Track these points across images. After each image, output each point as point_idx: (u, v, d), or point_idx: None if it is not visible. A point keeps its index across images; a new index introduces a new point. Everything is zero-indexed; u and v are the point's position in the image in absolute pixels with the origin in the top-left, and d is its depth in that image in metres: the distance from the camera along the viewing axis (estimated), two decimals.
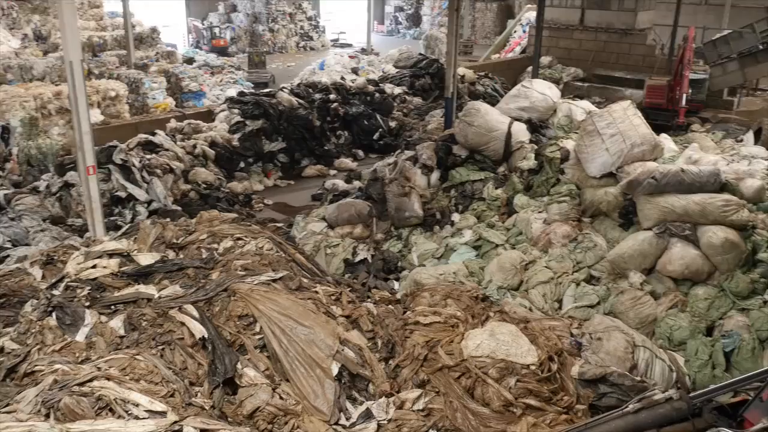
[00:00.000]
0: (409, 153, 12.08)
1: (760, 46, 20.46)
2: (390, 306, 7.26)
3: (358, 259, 9.79)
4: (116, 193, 11.59)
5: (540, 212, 9.61)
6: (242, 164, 14.88)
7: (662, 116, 17.08)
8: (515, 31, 29.26)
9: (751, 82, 21.80)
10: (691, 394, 3.05)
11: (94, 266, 6.82)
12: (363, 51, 32.14)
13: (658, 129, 11.52)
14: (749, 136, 15.39)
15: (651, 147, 9.39)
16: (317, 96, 17.52)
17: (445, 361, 6.10)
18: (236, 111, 15.87)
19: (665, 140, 10.81)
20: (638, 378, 6.33)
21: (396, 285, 9.12)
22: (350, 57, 29.08)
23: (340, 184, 13.49)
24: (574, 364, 6.44)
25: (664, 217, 8.25)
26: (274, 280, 6.70)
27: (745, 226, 8.06)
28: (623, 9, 23.91)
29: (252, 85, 24.15)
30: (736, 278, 7.67)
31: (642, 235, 8.32)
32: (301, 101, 16.72)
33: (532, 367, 6.05)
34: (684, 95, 17.09)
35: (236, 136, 15.11)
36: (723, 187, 8.40)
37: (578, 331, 7.10)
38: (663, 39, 24.21)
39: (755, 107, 19.93)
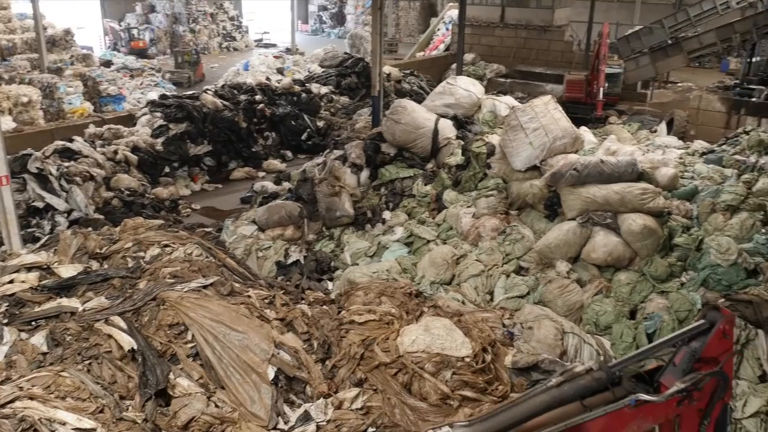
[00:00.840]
0: (337, 152, 12.06)
1: (669, 41, 21.50)
2: (324, 306, 7.23)
3: (290, 260, 9.70)
4: (33, 204, 11.06)
5: (469, 207, 9.78)
6: (167, 169, 14.47)
7: (581, 109, 17.69)
8: (438, 29, 29.62)
9: (662, 75, 22.87)
10: (609, 364, 3.13)
11: (11, 281, 6.51)
12: (288, 51, 31.86)
13: (577, 122, 11.93)
14: (662, 126, 16.16)
15: (572, 140, 9.70)
16: (243, 97, 17.24)
17: (381, 359, 6.12)
18: (159, 114, 15.42)
19: (585, 133, 11.20)
20: (568, 363, 6.53)
21: (330, 285, 9.09)
22: (275, 57, 28.75)
23: (270, 185, 13.34)
24: (507, 354, 6.60)
25: (587, 207, 8.54)
26: (205, 287, 6.56)
27: (662, 212, 8.46)
28: (541, 6, 24.61)
29: (174, 88, 23.54)
30: (655, 263, 8.03)
31: (566, 225, 8.59)
32: (226, 103, 16.41)
33: (467, 360, 6.16)
34: (601, 89, 17.76)
35: (160, 140, 14.68)
36: (640, 176, 8.77)
37: (510, 321, 7.27)
38: (580, 35, 25.07)
39: (667, 99, 20.88)
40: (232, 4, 39.64)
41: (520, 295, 8.10)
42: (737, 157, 10.98)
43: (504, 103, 12.20)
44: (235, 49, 37.30)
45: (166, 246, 7.58)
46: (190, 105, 15.60)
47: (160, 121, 15.20)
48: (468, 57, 23.89)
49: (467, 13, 21.05)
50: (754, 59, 22.52)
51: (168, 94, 18.69)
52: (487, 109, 12.13)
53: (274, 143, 17.14)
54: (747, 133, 12.71)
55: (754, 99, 19.23)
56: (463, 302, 7.98)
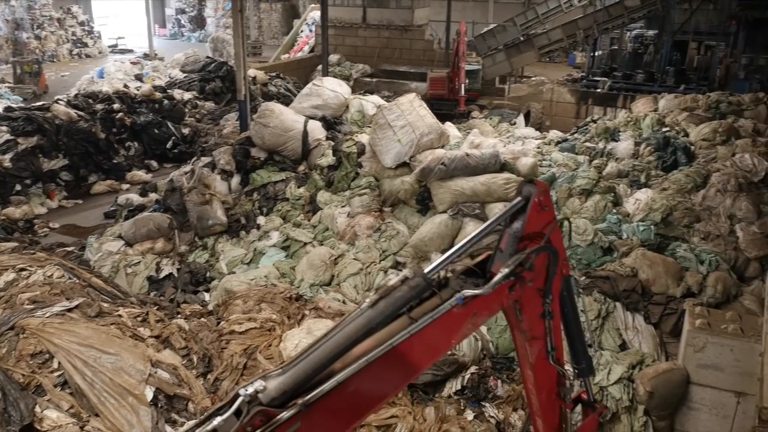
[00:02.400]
0: (206, 159, 11.71)
1: (522, 38, 22.78)
2: (203, 319, 7.02)
3: (162, 274, 9.31)
4: None
5: (343, 207, 9.85)
6: (18, 187, 13.39)
7: (445, 106, 18.33)
8: (302, 31, 29.54)
9: (518, 70, 24.18)
10: (427, 269, 2.89)
11: None
12: (146, 56, 30.43)
13: (442, 118, 12.34)
14: (520, 119, 17.09)
15: (438, 135, 10.03)
16: (99, 106, 16.28)
17: (265, 366, 6.03)
18: (4, 128, 14.23)
19: (450, 128, 11.62)
20: (449, 352, 6.76)
21: (207, 296, 8.82)
22: (132, 63, 27.34)
23: (135, 198, 12.71)
24: None
25: (456, 200, 8.87)
26: (70, 310, 6.16)
27: None
28: (401, 7, 25.22)
29: (21, 99, 21.81)
30: None
31: (438, 218, 8.88)
32: (81, 113, 15.42)
33: None
34: (462, 85, 18.49)
35: (7, 156, 13.55)
36: (503, 166, 9.24)
37: None
38: (439, 34, 25.96)
39: (523, 93, 22.11)
40: (81, 9, 37.30)
41: None
42: (588, 144, 11.82)
43: (371, 103, 12.38)
44: (88, 56, 35.14)
45: (22, 270, 7.03)
46: (40, 117, 14.51)
47: (7, 136, 14.03)
48: (333, 58, 24.02)
49: (330, 14, 21.16)
50: (596, 53, 24.36)
51: (14, 106, 17.29)
52: (354, 108, 12.26)
53: (138, 153, 16.35)
54: (594, 121, 13.75)
55: (599, 90, 20.81)
56: (344, 302, 8.02)
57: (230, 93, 20.15)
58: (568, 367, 3.69)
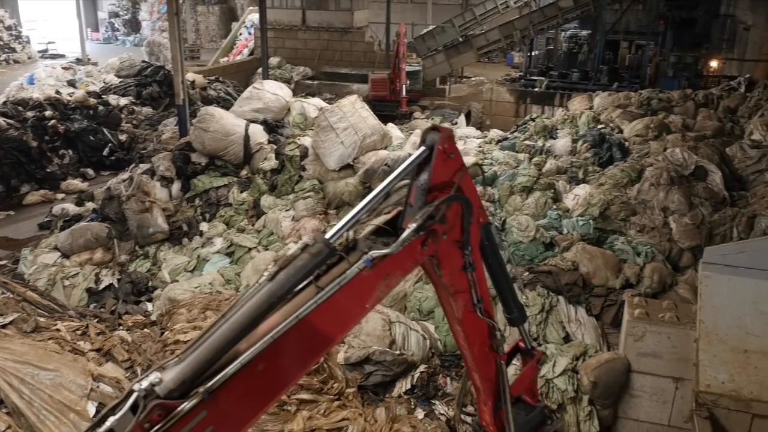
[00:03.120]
0: (144, 166, 11.44)
1: (460, 39, 23.09)
2: (146, 329, 6.84)
3: (102, 286, 9.05)
4: None
5: (288, 210, 9.77)
6: None
7: (387, 107, 18.42)
8: (241, 34, 29.16)
9: (457, 70, 24.49)
10: (329, 233, 2.67)
11: None
12: (78, 61, 29.50)
13: (384, 119, 12.40)
14: (462, 118, 17.32)
15: (381, 136, 10.07)
16: (30, 114, 15.70)
17: None
18: None
19: (392, 129, 11.68)
20: (397, 352, 6.80)
21: (149, 306, 8.62)
22: (64, 68, 26.45)
23: (71, 207, 12.30)
24: (339, 352, 6.70)
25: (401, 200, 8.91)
26: (4, 326, 5.91)
27: None
28: (340, 9, 25.20)
29: None
30: None
31: (383, 218, 8.89)
32: (10, 121, 14.85)
33: None
34: (403, 86, 18.62)
35: None
36: None
37: None
38: (379, 35, 26.06)
39: (463, 93, 22.40)
40: (7, 13, 35.87)
41: None
42: (527, 142, 12.08)
43: (313, 105, 12.34)
44: (16, 62, 33.81)
45: None
46: None
47: None
48: (273, 60, 23.81)
49: (268, 16, 20.97)
50: (533, 53, 24.91)
51: None
52: (296, 111, 12.19)
53: (72, 161, 15.83)
54: (533, 120, 14.06)
55: (536, 89, 21.28)
56: None
57: (168, 98, 19.73)
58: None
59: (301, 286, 2.60)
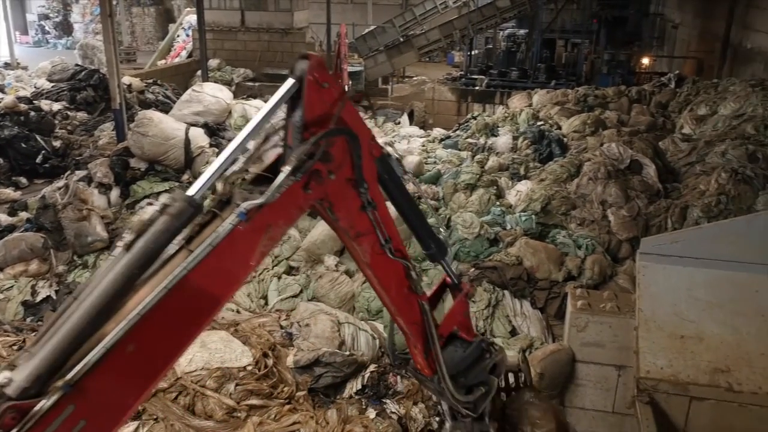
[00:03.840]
0: (81, 173, 11.09)
1: (401, 39, 23.23)
2: None
3: (39, 298, 8.72)
4: None
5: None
6: None
7: None
8: (178, 36, 28.59)
9: (399, 70, 24.64)
10: (192, 189, 2.41)
11: None
12: (7, 65, 28.35)
13: None
14: (404, 118, 17.43)
15: None
16: None
17: (158, 385, 5.80)
18: None
19: None
20: (347, 352, 6.78)
21: None
22: None
23: (3, 218, 11.80)
24: (288, 355, 6.64)
25: None
26: None
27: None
28: (280, 9, 24.98)
29: None
30: (412, 245, 8.62)
31: None
32: None
33: (249, 368, 6.10)
34: (346, 87, 18.58)
35: None
36: None
37: (287, 322, 7.33)
38: (320, 36, 25.96)
39: (405, 92, 22.55)
40: None
41: (293, 294, 8.20)
42: (470, 140, 12.25)
43: (254, 107, 12.21)
44: None
45: None
46: None
47: None
48: (213, 62, 23.43)
49: (207, 17, 20.62)
50: (473, 52, 25.28)
51: None
52: (237, 114, 12.04)
53: (3, 170, 15.18)
54: (474, 118, 14.26)
55: (477, 87, 21.59)
56: (238, 311, 7.86)
57: (104, 102, 19.15)
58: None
59: (172, 252, 2.37)
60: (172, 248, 2.40)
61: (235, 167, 2.65)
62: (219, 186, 2.45)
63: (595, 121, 12.16)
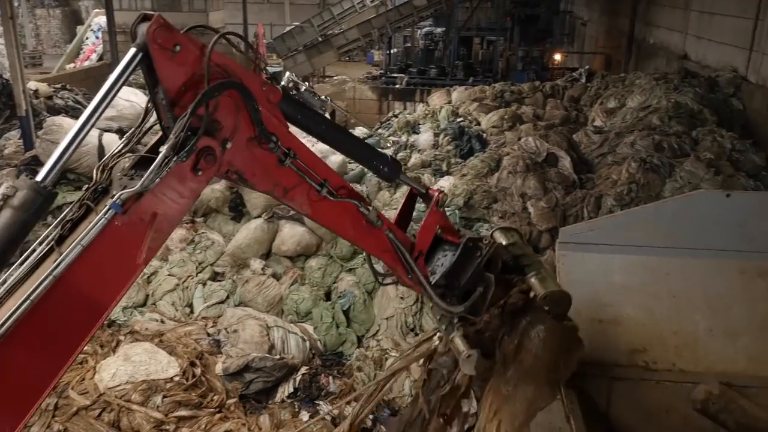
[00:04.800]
0: None
1: (320, 38, 23.15)
2: None
3: None
4: None
5: None
6: None
7: None
8: (87, 38, 27.47)
9: (319, 70, 24.54)
10: (39, 176, 2.13)
11: None
12: None
13: None
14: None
15: None
16: None
17: (79, 403, 5.57)
18: None
19: None
20: (277, 356, 6.72)
21: None
22: None
23: None
24: (217, 363, 6.51)
25: (270, 203, 8.81)
26: None
27: None
28: (195, 10, 24.45)
29: None
30: (339, 244, 8.64)
31: (254, 223, 8.76)
32: None
33: (176, 378, 5.94)
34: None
35: None
36: None
37: (214, 329, 7.18)
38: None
39: (326, 92, 22.43)
40: None
41: (219, 301, 8.03)
42: (392, 138, 12.35)
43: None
44: None
45: None
46: None
47: None
48: None
49: (117, 19, 19.90)
50: (392, 51, 25.47)
51: None
52: (154, 118, 11.68)
53: None
54: (396, 116, 14.38)
55: (397, 86, 21.78)
56: (162, 321, 7.63)
57: (9, 109, 18.16)
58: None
59: (40, 253, 2.07)
60: (40, 250, 2.11)
61: (115, 150, 2.37)
62: (258, 264, 2.25)
63: (512, 117, 12.50)
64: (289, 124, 2.54)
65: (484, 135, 11.94)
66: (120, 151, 2.43)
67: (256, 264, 8.39)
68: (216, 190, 9.23)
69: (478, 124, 12.66)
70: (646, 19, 19.64)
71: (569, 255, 4.71)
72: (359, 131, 14.04)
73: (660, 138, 10.22)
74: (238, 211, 9.24)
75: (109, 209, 2.02)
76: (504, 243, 3.20)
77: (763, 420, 3.81)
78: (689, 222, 4.30)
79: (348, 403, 6.48)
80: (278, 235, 8.67)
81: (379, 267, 3.21)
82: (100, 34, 25.85)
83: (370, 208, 2.76)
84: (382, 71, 24.22)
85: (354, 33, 23.06)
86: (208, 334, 6.99)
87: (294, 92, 2.51)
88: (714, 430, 3.58)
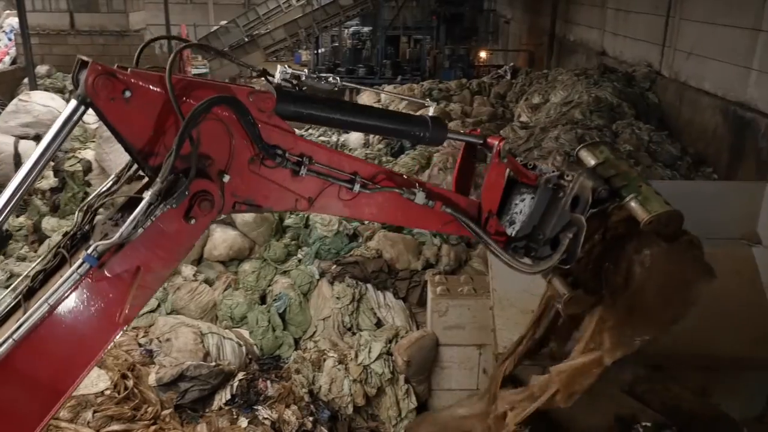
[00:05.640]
0: None
1: (246, 39, 22.83)
2: None
3: None
4: None
5: None
6: None
7: None
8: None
9: (247, 71, 24.18)
10: None
11: None
12: None
13: None
14: None
15: None
16: None
17: None
18: None
19: None
20: (213, 363, 6.59)
21: None
22: None
23: None
24: (150, 373, 6.34)
25: None
26: None
27: None
28: (113, 11, 23.59)
29: None
30: (272, 247, 8.55)
31: None
32: None
33: (107, 392, 5.75)
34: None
35: None
36: None
37: (146, 339, 6.99)
38: None
39: None
40: None
41: (150, 309, 7.81)
42: (322, 138, 12.29)
43: (92, 115, 11.45)
44: None
45: None
46: None
47: None
48: (42, 69, 21.63)
49: (30, 20, 19.00)
50: (320, 50, 25.38)
51: None
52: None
53: None
54: None
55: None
56: None
57: None
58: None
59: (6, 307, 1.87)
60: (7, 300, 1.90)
61: (101, 188, 2.11)
62: (189, 271, 2.05)
63: (441, 114, 12.67)
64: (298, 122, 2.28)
65: None
66: (108, 190, 2.16)
67: (188, 270, 8.21)
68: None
69: None
70: (566, 17, 20.28)
71: None
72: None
73: (582, 132, 10.56)
74: None
75: (82, 263, 1.80)
76: (592, 163, 2.80)
77: (687, 401, 4.00)
78: None
79: (287, 406, 6.44)
80: (209, 239, 8.51)
81: None
82: (12, 36, 24.64)
83: (416, 190, 2.45)
84: (310, 71, 24.12)
85: (281, 33, 22.85)
86: (140, 345, 6.80)
87: (294, 83, 2.15)
88: (641, 410, 3.74)
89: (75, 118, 1.98)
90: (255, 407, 6.47)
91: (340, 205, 2.31)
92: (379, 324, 7.53)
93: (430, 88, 15.05)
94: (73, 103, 1.97)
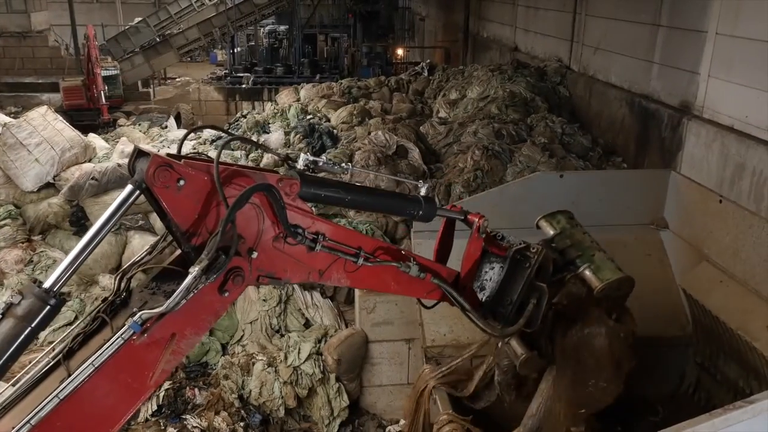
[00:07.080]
0: None
1: (158, 39, 22.14)
2: None
3: None
4: None
5: None
6: None
7: (86, 116, 16.96)
8: None
9: (160, 72, 23.48)
10: (47, 282, 2.08)
11: None
12: None
13: (85, 129, 11.45)
14: (171, 121, 16.69)
15: (82, 149, 9.27)
16: None
17: None
18: None
19: (95, 139, 10.81)
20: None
21: None
22: None
23: None
24: None
25: None
26: None
27: None
28: (13, 11, 22.43)
29: None
30: None
31: None
32: None
33: None
34: (102, 92, 17.28)
35: None
36: None
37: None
38: (66, 39, 23.77)
39: (170, 95, 21.58)
40: None
41: (67, 322, 7.49)
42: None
43: None
44: None
45: None
46: None
47: None
48: None
49: None
50: (236, 50, 24.93)
51: None
52: None
53: None
54: (245, 116, 14.12)
55: (244, 85, 21.37)
56: None
57: None
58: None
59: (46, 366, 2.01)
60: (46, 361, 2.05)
61: (136, 257, 2.32)
62: (108, 281, 2.16)
63: (361, 112, 12.69)
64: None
65: (335, 131, 12.04)
66: (141, 260, 2.36)
67: (106, 280, 7.91)
68: (54, 204, 8.59)
69: (328, 120, 12.74)
70: (479, 14, 20.74)
71: (424, 243, 4.90)
72: (207, 133, 13.62)
73: (499, 126, 10.85)
74: (81, 225, 8.64)
75: (127, 329, 1.96)
76: (551, 233, 3.15)
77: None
78: (529, 202, 4.63)
79: (217, 413, 6.31)
80: (128, 247, 8.23)
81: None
82: None
83: (411, 264, 2.74)
84: (226, 71, 23.64)
85: (194, 32, 22.29)
86: None
87: (311, 168, 2.44)
88: None
89: (130, 201, 2.16)
90: (183, 416, 6.32)
91: (344, 277, 2.62)
92: (307, 324, 7.50)
93: (349, 86, 15.06)
94: (129, 187, 2.15)
